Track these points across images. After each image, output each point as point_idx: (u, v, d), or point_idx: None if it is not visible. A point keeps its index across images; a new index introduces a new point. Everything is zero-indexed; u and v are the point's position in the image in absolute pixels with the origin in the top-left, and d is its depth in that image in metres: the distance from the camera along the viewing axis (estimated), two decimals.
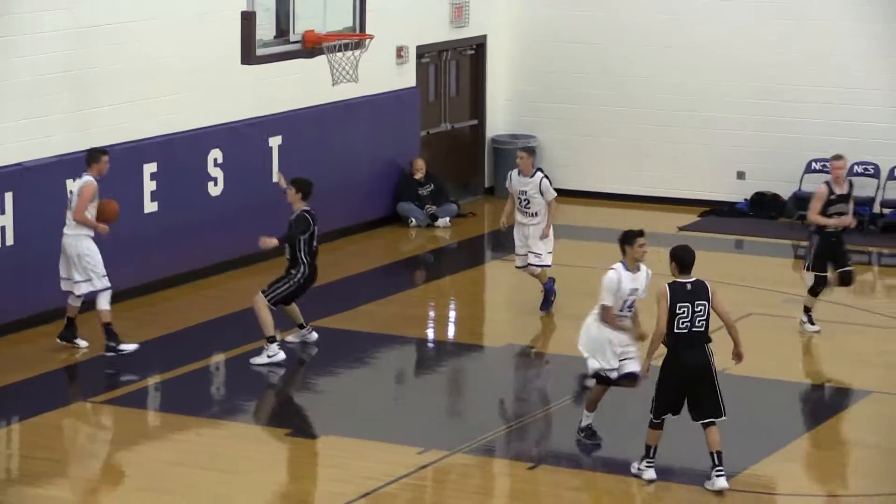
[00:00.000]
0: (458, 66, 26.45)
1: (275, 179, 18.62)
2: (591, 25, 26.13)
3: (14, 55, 18.93)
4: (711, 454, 14.29)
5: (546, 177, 20.25)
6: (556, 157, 26.52)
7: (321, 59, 18.85)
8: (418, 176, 24.59)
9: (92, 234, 17.88)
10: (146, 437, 16.20)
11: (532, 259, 20.06)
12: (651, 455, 14.58)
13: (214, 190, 21.56)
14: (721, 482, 14.27)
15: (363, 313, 20.07)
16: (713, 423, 14.36)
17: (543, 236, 20.12)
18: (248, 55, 17.79)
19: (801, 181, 24.95)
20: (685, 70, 25.64)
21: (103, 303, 18.01)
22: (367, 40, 19.08)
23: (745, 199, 25.46)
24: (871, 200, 24.52)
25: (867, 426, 16.33)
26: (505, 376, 18.63)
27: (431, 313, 21.09)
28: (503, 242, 24.52)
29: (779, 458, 15.50)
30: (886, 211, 24.55)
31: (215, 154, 21.52)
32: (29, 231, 18.93)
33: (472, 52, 26.54)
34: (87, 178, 17.82)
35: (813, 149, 24.91)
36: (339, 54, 18.74)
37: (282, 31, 18.10)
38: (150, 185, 20.49)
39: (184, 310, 20.03)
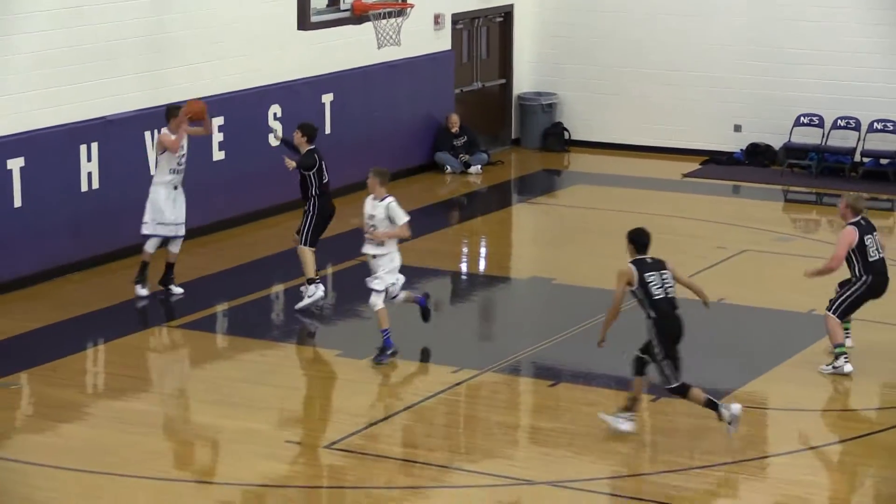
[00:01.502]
0: (488, 32, 26.38)
1: (273, 142, 18.15)
2: None
3: (97, 21, 18.93)
4: (708, 402, 13.68)
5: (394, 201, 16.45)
6: (574, 112, 26.47)
7: (367, 26, 18.85)
8: (453, 129, 24.58)
9: (167, 182, 17.74)
10: (214, 356, 16.26)
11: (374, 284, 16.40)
12: (633, 409, 13.92)
13: (275, 141, 21.54)
14: (736, 406, 13.64)
15: (404, 248, 19.96)
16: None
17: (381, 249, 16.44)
18: (304, 21, 17.81)
19: (790, 133, 24.86)
20: (689, 35, 25.53)
21: (150, 247, 17.80)
22: (409, 9, 19.06)
23: (741, 150, 25.39)
24: (853, 151, 24.41)
25: (848, 350, 16.31)
26: (529, 305, 18.66)
27: (465, 249, 21.12)
28: (528, 187, 24.60)
29: (769, 377, 15.51)
30: (866, 160, 24.45)
31: (275, 109, 21.54)
32: (111, 177, 19.00)
33: (501, 19, 26.48)
34: (164, 131, 17.73)
35: (801, 104, 24.84)
36: (384, 21, 18.72)
37: (333, 1, 18.07)
38: (217, 137, 20.50)
39: (247, 245, 20.09)
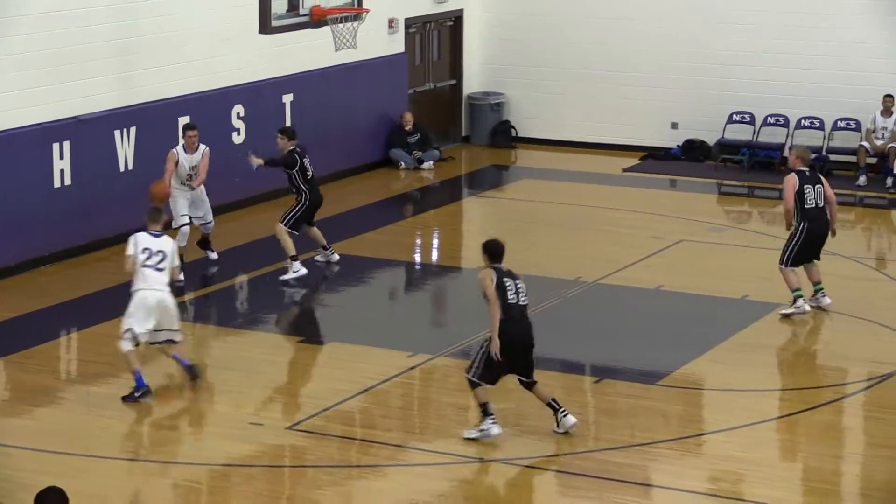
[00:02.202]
0: (439, 35, 26.38)
1: (253, 163, 18.11)
2: (550, 2, 26.05)
3: (70, 26, 18.84)
4: (550, 403, 13.50)
5: None
6: (521, 110, 26.51)
7: (325, 30, 18.85)
8: (407, 127, 24.57)
9: (182, 190, 18.02)
10: (184, 344, 16.23)
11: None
12: (491, 412, 13.40)
13: (237, 139, 21.54)
14: (571, 419, 13.46)
15: (362, 241, 20.10)
16: (536, 382, 13.59)
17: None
18: (265, 26, 17.79)
19: (724, 130, 24.97)
20: (629, 38, 25.60)
21: (181, 239, 17.80)
22: (364, 14, 19.05)
23: (678, 146, 25.48)
24: (782, 146, 24.52)
25: (778, 333, 16.41)
26: (478, 293, 18.66)
27: (418, 241, 21.12)
28: (478, 182, 24.62)
29: (705, 359, 15.57)
30: None
31: (238, 109, 21.49)
32: (82, 174, 18.92)
33: (451, 23, 26.47)
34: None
35: (734, 103, 24.96)
36: (341, 25, 18.72)
37: (292, 6, 18.09)
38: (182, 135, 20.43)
39: (214, 239, 20.03)
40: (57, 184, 18.71)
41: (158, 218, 14.45)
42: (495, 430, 13.33)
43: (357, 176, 23.59)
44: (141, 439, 13.66)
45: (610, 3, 25.67)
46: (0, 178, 17.91)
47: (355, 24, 18.93)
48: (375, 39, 23.67)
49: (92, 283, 17.96)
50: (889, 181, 23.21)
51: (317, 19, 18.37)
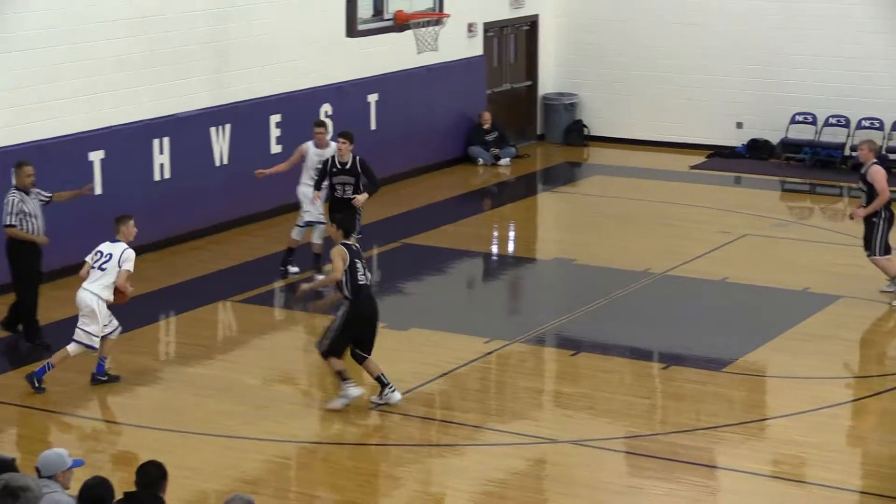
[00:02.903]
0: (516, 39, 26.33)
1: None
2: (622, 6, 25.94)
3: (167, 30, 18.98)
4: (379, 378, 13.61)
5: None
6: (593, 110, 26.41)
7: (409, 33, 18.83)
8: (485, 125, 24.55)
9: (310, 184, 17.61)
10: (271, 328, 16.31)
11: None
12: (347, 377, 13.56)
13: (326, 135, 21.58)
14: (397, 395, 13.63)
15: (441, 233, 20.10)
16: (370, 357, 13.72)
17: None
18: (352, 30, 17.80)
19: (787, 130, 24.77)
20: (696, 42, 25.43)
21: (295, 234, 17.85)
22: (445, 18, 19.02)
23: (743, 144, 25.29)
24: (843, 145, 24.31)
25: (838, 323, 16.26)
26: (552, 283, 18.65)
27: (495, 233, 21.10)
28: (552, 178, 24.56)
29: (768, 348, 15.47)
30: (854, 153, 24.29)
31: (326, 108, 21.56)
32: (180, 167, 19.07)
33: (528, 27, 26.41)
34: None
35: (797, 104, 24.75)
36: (423, 29, 18.69)
37: (378, 11, 18.06)
38: (275, 132, 20.56)
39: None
40: (157, 177, 18.87)
41: (122, 225, 14.17)
42: (355, 391, 13.51)
43: (437, 172, 23.59)
44: (234, 417, 13.73)
45: (679, 8, 25.51)
46: (105, 171, 18.07)
47: (437, 28, 18.91)
48: (456, 43, 23.66)
49: (188, 270, 18.10)
50: None
51: (400, 23, 18.36)
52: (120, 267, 13.92)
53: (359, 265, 13.52)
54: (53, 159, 17.03)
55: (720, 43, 25.26)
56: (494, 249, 20.24)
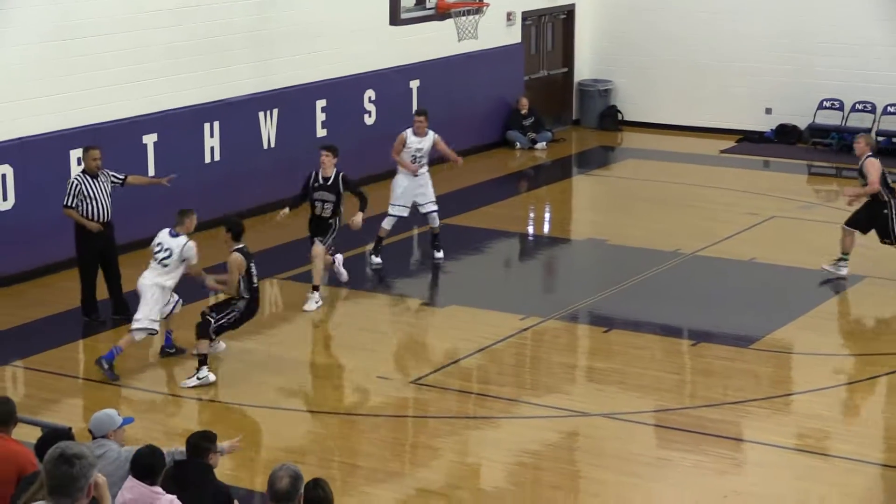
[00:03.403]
0: (553, 27, 26.26)
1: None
2: None
3: (212, 18, 19.02)
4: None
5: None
6: (627, 96, 26.33)
7: (449, 22, 18.82)
8: (523, 111, 24.51)
9: (406, 172, 17.57)
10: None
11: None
12: (207, 362, 13.66)
13: (369, 120, 21.64)
14: (212, 376, 13.66)
15: (480, 213, 20.10)
16: None
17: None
18: (395, 18, 17.81)
19: (814, 115, 24.63)
20: (727, 30, 25.30)
21: (386, 223, 17.65)
22: (485, 7, 19.00)
23: (772, 129, 25.17)
24: (869, 131, 24.14)
25: (863, 302, 16.20)
26: (586, 262, 18.62)
27: (531, 214, 21.09)
28: (587, 161, 24.49)
29: (794, 326, 15.41)
30: (881, 139, 24.19)
31: (370, 93, 21.57)
32: (230, 150, 19.13)
33: (564, 16, 26.34)
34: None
35: (824, 90, 24.60)
36: (463, 18, 18.68)
37: (420, 0, 18.05)
38: (320, 116, 20.60)
39: (347, 210, 20.13)
40: (207, 159, 18.93)
41: (182, 220, 14.21)
42: (212, 377, 13.64)
43: (477, 155, 23.56)
44: (278, 389, 13.79)
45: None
46: (158, 153, 18.15)
47: (476, 16, 18.89)
48: (494, 31, 23.60)
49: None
50: None
51: (441, 12, 18.36)
52: (182, 262, 13.99)
53: (253, 269, 13.78)
54: (108, 142, 17.10)
55: (749, 31, 25.12)
56: (530, 230, 20.23)
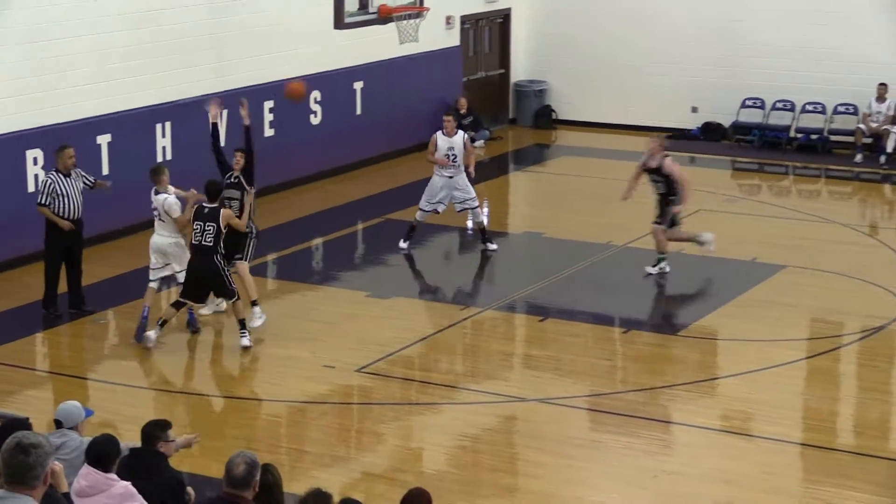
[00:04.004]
0: (490, 31, 26.28)
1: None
2: (587, 2, 25.90)
3: (170, 23, 18.91)
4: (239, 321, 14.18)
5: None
6: (561, 96, 26.40)
7: (391, 26, 18.78)
8: (462, 110, 24.49)
9: (441, 174, 17.66)
10: (266, 297, 16.27)
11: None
12: (164, 324, 14.24)
13: (315, 120, 21.57)
14: (245, 341, 14.17)
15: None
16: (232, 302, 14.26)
17: None
18: (339, 22, 17.76)
19: (737, 114, 24.80)
20: (656, 32, 25.43)
21: (419, 215, 17.81)
22: (425, 11, 18.98)
23: (697, 127, 25.32)
24: (789, 128, 24.37)
25: (783, 291, 16.33)
26: (523, 254, 18.66)
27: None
28: (523, 158, 24.53)
29: (719, 313, 15.52)
30: (799, 135, 24.40)
31: (316, 94, 21.50)
32: (181, 150, 19.01)
33: (501, 20, 26.36)
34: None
35: (747, 90, 24.78)
36: (405, 22, 18.65)
37: (363, 5, 18.03)
38: (268, 117, 20.51)
39: (293, 206, 20.12)
40: (160, 158, 18.80)
41: (156, 178, 14.77)
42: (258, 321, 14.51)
43: (418, 153, 23.54)
44: (230, 379, 13.75)
45: (641, 1, 25.49)
46: (112, 152, 18.01)
47: (417, 20, 18.87)
48: (434, 34, 23.59)
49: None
50: (882, 159, 23.01)
51: (384, 16, 18.31)
52: (170, 215, 14.47)
53: (196, 226, 14.05)
54: (63, 142, 16.94)
55: (678, 33, 25.26)
56: (470, 224, 20.23)
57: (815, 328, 15.27)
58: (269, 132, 20.51)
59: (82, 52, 17.70)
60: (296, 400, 13.02)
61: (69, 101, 17.54)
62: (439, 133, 17.76)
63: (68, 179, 15.02)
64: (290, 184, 20.97)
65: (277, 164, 20.68)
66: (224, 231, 14.10)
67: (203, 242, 14.00)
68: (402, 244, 17.82)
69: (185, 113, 19.06)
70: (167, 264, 14.71)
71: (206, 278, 14.08)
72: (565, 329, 15.04)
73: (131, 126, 18.32)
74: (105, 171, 17.83)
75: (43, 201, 14.95)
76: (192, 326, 14.72)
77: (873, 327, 15.05)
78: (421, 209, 17.80)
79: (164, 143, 18.82)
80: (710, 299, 15.94)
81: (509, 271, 17.61)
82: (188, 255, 14.49)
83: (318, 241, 18.87)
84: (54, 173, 15.05)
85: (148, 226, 18.41)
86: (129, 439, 9.35)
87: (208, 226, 13.97)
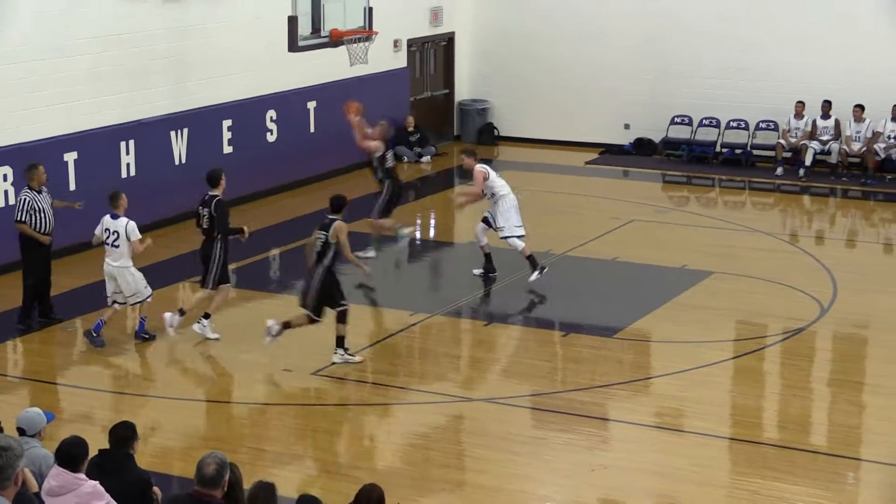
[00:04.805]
0: (435, 53, 26.31)
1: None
2: (527, 24, 26.00)
3: (133, 46, 18.81)
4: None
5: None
6: (503, 114, 26.48)
7: (342, 49, 18.76)
8: (410, 128, 24.53)
9: (509, 197, 17.26)
10: (227, 304, 16.19)
11: None
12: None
13: (271, 137, 21.52)
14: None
15: (365, 223, 20.03)
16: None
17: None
18: (293, 45, 17.69)
19: (667, 130, 24.97)
20: (591, 53, 25.54)
21: (517, 245, 17.14)
22: (374, 35, 18.98)
23: (630, 143, 25.46)
24: (715, 143, 24.56)
25: (711, 295, 16.45)
26: (468, 264, 18.66)
27: (418, 221, 21.09)
28: (467, 173, 24.55)
29: (652, 317, 15.61)
30: (724, 150, 24.59)
31: (271, 113, 21.45)
32: (144, 166, 18.89)
33: (445, 43, 26.41)
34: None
35: (676, 108, 24.96)
36: (355, 45, 18.64)
37: (315, 29, 17.97)
38: (227, 135, 20.45)
39: (252, 219, 20.01)
40: (124, 175, 18.68)
41: (116, 203, 14.47)
42: (356, 357, 13.94)
43: (368, 168, 23.50)
44: (194, 383, 13.69)
45: (576, 23, 25.59)
46: (78, 169, 17.89)
47: (367, 44, 18.86)
48: (383, 56, 23.61)
49: (152, 256, 17.83)
50: (801, 171, 23.24)
51: (335, 40, 18.29)
52: (129, 240, 14.24)
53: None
54: (32, 160, 16.81)
55: (611, 54, 25.40)
56: (418, 235, 20.25)
57: (740, 330, 15.40)
58: (227, 149, 20.43)
59: (49, 74, 17.57)
60: (256, 402, 12.98)
61: (37, 120, 17.41)
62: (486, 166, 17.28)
63: (41, 195, 14.90)
64: (249, 198, 20.89)
65: (236, 180, 20.53)
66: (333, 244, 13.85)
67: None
68: (476, 271, 17.22)
69: (147, 131, 18.97)
70: (119, 292, 14.42)
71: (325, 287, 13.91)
72: (509, 333, 15.08)
73: (96, 144, 18.21)
74: (72, 186, 17.71)
75: (21, 218, 14.78)
76: (143, 335, 14.56)
77: (794, 329, 15.20)
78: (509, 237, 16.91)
79: (128, 159, 18.71)
80: (644, 304, 16.02)
81: (456, 279, 17.62)
82: (137, 280, 14.33)
83: (275, 251, 18.82)
84: (29, 190, 14.90)
85: None
86: (97, 440, 9.27)
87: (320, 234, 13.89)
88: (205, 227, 14.60)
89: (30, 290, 15.04)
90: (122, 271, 14.35)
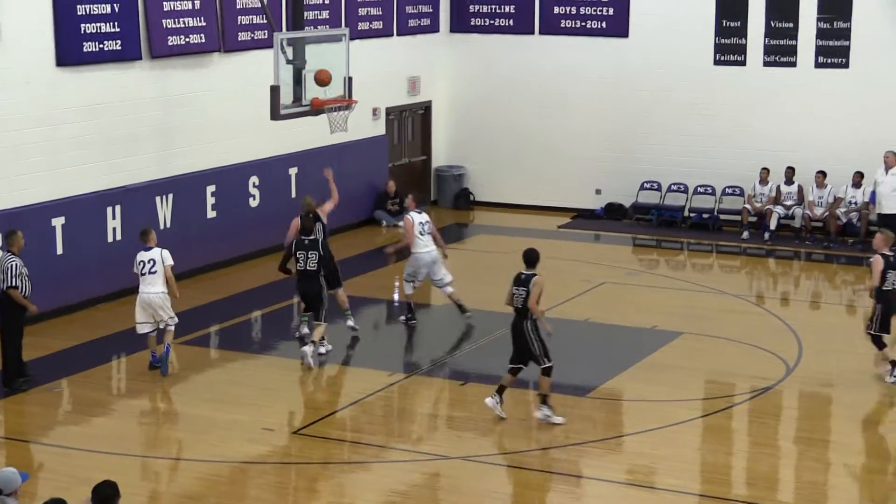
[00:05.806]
0: (413, 121, 26.43)
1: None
2: (499, 93, 26.18)
3: (119, 115, 18.83)
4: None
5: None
6: (479, 179, 26.57)
7: (323, 117, 18.83)
8: (392, 194, 24.58)
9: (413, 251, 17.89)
10: (208, 365, 16.13)
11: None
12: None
13: (253, 203, 21.52)
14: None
15: (351, 283, 19.99)
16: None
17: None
18: (275, 114, 17.77)
19: (637, 195, 25.09)
20: (563, 121, 25.71)
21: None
22: (354, 104, 19.07)
23: (601, 207, 25.57)
24: (683, 208, 24.69)
25: (680, 355, 16.45)
26: (445, 324, 18.64)
27: (396, 283, 21.05)
28: (444, 237, 24.61)
29: (623, 377, 15.60)
30: (692, 215, 24.72)
31: (254, 179, 21.47)
32: (130, 231, 18.84)
33: (422, 112, 26.54)
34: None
35: (645, 174, 25.09)
36: (335, 113, 18.71)
37: (297, 98, 18.05)
38: (210, 200, 20.44)
39: (235, 281, 20.00)
40: (110, 239, 18.63)
41: (147, 237, 15.40)
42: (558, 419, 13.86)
43: (348, 231, 23.57)
44: (175, 442, 13.57)
45: (548, 94, 25.76)
46: (66, 233, 17.84)
47: (346, 112, 18.94)
48: (362, 124, 23.70)
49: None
50: (766, 235, 23.35)
51: (316, 109, 18.36)
52: (164, 264, 15.13)
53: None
54: (19, 225, 16.76)
55: (582, 123, 25.57)
56: (395, 297, 20.22)
57: (709, 389, 15.39)
58: (211, 214, 20.41)
59: (36, 142, 17.55)
60: (237, 460, 12.87)
61: (25, 186, 17.37)
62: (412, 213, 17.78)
63: (22, 260, 14.83)
64: (233, 261, 20.86)
65: (220, 243, 20.61)
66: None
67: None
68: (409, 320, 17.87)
69: (133, 197, 18.94)
70: (151, 321, 15.19)
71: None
72: (484, 392, 14.99)
73: (83, 209, 18.16)
74: (60, 250, 17.65)
75: (15, 284, 14.62)
76: (155, 364, 15.32)
77: (762, 388, 15.20)
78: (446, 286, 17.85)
79: (114, 224, 18.66)
80: (615, 364, 16.01)
81: (432, 340, 17.59)
82: (170, 304, 15.17)
83: (257, 313, 18.75)
84: (13, 256, 14.78)
85: (98, 301, 18.29)
86: (80, 501, 9.16)
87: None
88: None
89: (14, 354, 14.87)
90: (162, 296, 15.15)
